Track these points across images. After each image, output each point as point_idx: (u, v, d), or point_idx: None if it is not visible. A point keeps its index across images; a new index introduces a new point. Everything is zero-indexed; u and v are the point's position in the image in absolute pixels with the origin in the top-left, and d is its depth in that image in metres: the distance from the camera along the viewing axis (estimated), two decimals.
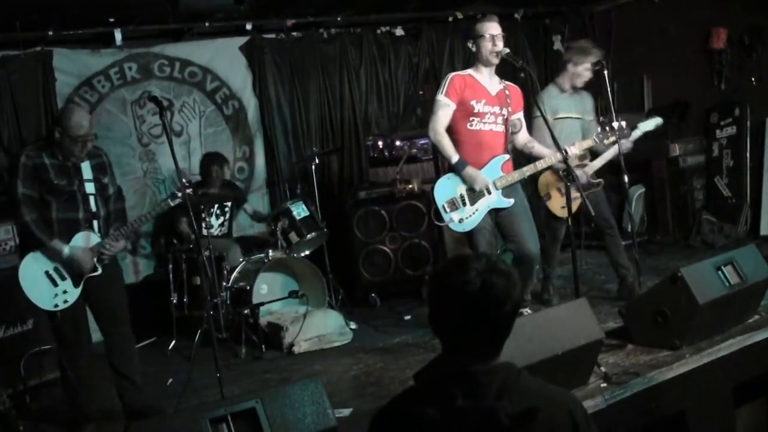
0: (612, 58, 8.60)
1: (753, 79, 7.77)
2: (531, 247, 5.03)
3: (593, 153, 5.84)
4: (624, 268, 5.90)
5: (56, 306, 4.37)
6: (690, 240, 7.86)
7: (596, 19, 9.19)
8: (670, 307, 4.44)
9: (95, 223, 4.56)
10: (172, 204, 4.75)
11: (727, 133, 8.06)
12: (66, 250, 4.36)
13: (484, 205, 4.99)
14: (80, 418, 4.51)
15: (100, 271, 4.49)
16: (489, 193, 4.99)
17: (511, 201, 5.02)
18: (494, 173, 5.04)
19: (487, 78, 5.11)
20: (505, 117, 5.12)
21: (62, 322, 4.43)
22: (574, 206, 5.61)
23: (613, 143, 5.38)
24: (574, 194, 5.15)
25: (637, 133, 5.77)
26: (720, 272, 4.56)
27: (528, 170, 5.13)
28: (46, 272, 4.37)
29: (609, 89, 5.63)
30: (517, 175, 5.06)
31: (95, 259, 4.45)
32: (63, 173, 4.41)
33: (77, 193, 4.46)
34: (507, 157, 5.12)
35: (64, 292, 4.39)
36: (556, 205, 5.81)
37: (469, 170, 4.94)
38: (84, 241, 4.46)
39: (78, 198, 4.46)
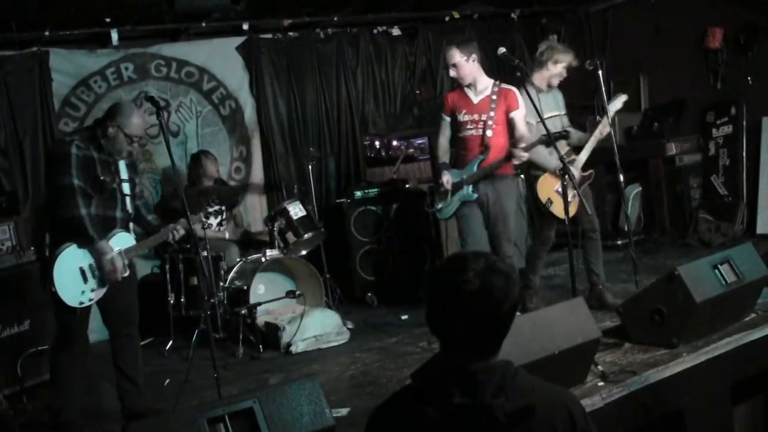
0: (608, 57, 8.61)
1: (749, 77, 7.78)
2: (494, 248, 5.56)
3: (576, 147, 5.83)
4: (596, 275, 5.86)
5: (81, 303, 4.28)
6: (687, 239, 7.87)
7: (592, 18, 9.20)
8: (667, 306, 4.45)
9: (131, 225, 4.55)
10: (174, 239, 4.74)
11: (724, 132, 8.08)
12: (113, 253, 4.31)
13: (457, 197, 5.59)
14: (76, 420, 4.44)
15: (128, 272, 4.47)
16: (461, 188, 5.56)
17: (475, 195, 5.52)
18: (469, 171, 5.54)
19: (473, 90, 5.58)
20: (486, 120, 5.47)
21: (79, 319, 4.36)
22: (573, 207, 5.62)
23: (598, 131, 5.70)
24: (571, 195, 5.21)
25: (610, 115, 5.79)
26: (717, 271, 4.57)
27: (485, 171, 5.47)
28: (81, 268, 4.28)
29: (604, 89, 5.64)
30: (479, 173, 5.47)
31: (126, 262, 4.43)
32: (107, 169, 4.38)
33: (117, 191, 4.44)
34: (482, 157, 5.50)
35: (92, 290, 4.32)
36: (559, 208, 5.75)
37: (444, 172, 5.62)
38: (125, 242, 4.44)
39: (118, 197, 4.44)
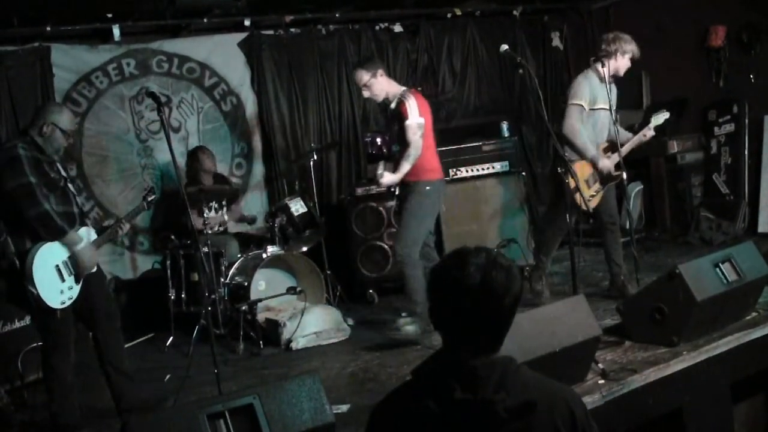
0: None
1: (751, 76, 7.77)
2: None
3: (613, 145, 5.86)
4: (618, 266, 5.92)
5: (63, 303, 4.27)
6: (688, 237, 7.87)
7: (594, 15, 9.19)
8: (667, 304, 4.44)
9: (86, 220, 4.56)
10: (147, 203, 4.79)
11: (726, 131, 8.07)
12: (84, 241, 4.32)
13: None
14: (76, 421, 4.43)
15: (96, 268, 4.49)
16: None
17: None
18: None
19: (389, 103, 5.68)
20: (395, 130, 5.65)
21: (62, 321, 4.32)
22: (594, 202, 5.82)
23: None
24: (596, 190, 5.61)
25: (651, 127, 5.96)
26: (718, 269, 4.56)
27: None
28: (56, 266, 4.27)
29: (608, 85, 5.64)
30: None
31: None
32: (51, 168, 4.39)
33: (67, 189, 4.45)
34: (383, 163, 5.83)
35: (69, 288, 4.31)
36: (579, 198, 5.81)
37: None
38: (88, 234, 4.45)
39: (69, 194, 4.46)
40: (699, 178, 8.15)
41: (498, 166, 7.44)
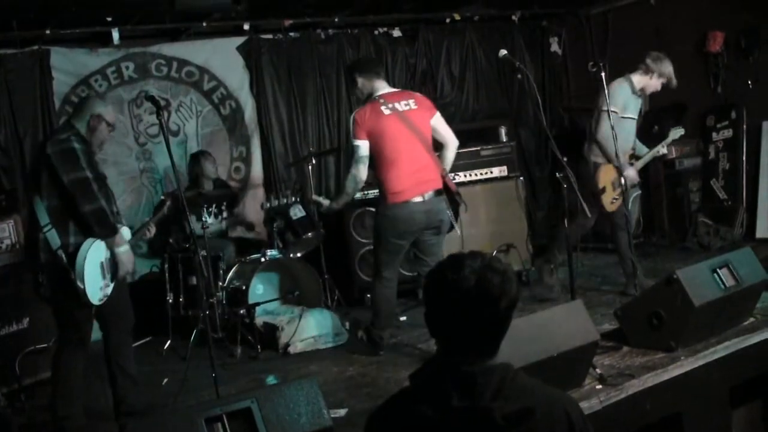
0: (608, 60, 8.60)
1: (749, 82, 7.78)
2: None
3: (635, 155, 6.13)
4: (636, 264, 6.05)
5: (100, 300, 4.24)
6: (686, 242, 7.88)
7: (593, 21, 9.21)
8: (665, 309, 4.45)
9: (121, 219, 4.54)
10: (165, 211, 4.79)
11: (724, 136, 8.08)
12: (127, 245, 4.32)
13: None
14: (83, 426, 4.40)
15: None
16: None
17: None
18: None
19: None
20: None
21: (88, 318, 4.32)
22: (615, 206, 6.02)
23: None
24: (618, 194, 5.87)
25: (667, 142, 6.28)
26: (716, 274, 4.56)
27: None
28: (101, 263, 4.25)
29: (607, 91, 5.66)
30: None
31: None
32: (98, 164, 4.39)
33: (108, 186, 4.45)
34: None
35: (107, 286, 4.29)
36: (608, 199, 5.99)
37: None
38: (127, 236, 4.45)
39: (110, 191, 4.45)
40: (697, 184, 8.16)
41: (496, 171, 7.44)
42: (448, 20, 8.51)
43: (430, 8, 8.28)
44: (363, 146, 5.00)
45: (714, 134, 8.15)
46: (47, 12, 6.35)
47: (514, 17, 8.83)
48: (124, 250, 4.32)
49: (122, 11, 6.69)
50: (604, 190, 5.94)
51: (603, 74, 5.66)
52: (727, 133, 8.06)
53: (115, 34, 6.90)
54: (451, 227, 5.26)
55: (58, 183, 4.15)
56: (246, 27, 7.55)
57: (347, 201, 5.39)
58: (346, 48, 8.07)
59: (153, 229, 4.78)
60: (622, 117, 5.92)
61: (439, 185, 5.10)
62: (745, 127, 7.92)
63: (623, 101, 5.93)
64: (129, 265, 4.37)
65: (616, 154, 5.63)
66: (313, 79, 7.93)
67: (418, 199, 4.99)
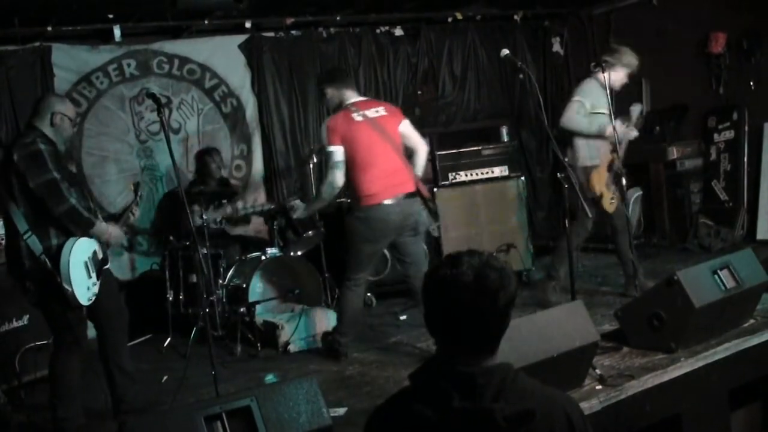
0: None
1: (751, 83, 7.77)
2: None
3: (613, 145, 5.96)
4: (636, 265, 6.02)
5: (89, 300, 4.23)
6: (687, 243, 7.87)
7: (595, 21, 9.20)
8: (666, 310, 4.44)
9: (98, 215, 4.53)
10: (136, 203, 4.78)
11: (725, 137, 8.07)
12: (107, 227, 4.34)
13: None
14: (82, 426, 4.40)
15: (109, 264, 4.47)
16: None
17: None
18: None
19: None
20: None
21: (81, 318, 4.31)
22: (614, 207, 5.96)
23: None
24: (614, 192, 5.85)
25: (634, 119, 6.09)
26: (716, 276, 4.56)
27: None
28: (85, 263, 4.23)
29: (608, 90, 5.66)
30: None
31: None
32: (66, 162, 4.39)
33: (80, 183, 4.45)
34: None
35: (93, 284, 4.28)
36: (606, 201, 5.96)
37: None
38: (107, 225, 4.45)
39: (84, 188, 4.45)
40: (698, 185, 8.15)
41: (497, 171, 7.44)
42: (449, 19, 8.51)
43: (431, 7, 8.28)
44: (338, 152, 5.08)
45: (715, 135, 8.15)
46: (49, 9, 6.34)
47: (516, 17, 8.82)
48: (105, 229, 4.34)
49: (124, 8, 6.69)
50: (601, 195, 5.89)
51: (605, 74, 5.67)
52: (729, 134, 8.05)
53: (117, 32, 6.90)
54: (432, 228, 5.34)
55: (28, 188, 4.14)
56: (248, 25, 7.55)
57: (323, 207, 5.52)
58: (347, 47, 8.07)
59: (137, 212, 4.77)
60: (593, 113, 5.92)
61: (411, 188, 5.16)
62: (746, 128, 7.91)
63: (592, 96, 5.93)
64: (120, 238, 4.44)
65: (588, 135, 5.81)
66: (314, 78, 7.92)
67: (391, 201, 5.05)
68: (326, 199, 5.31)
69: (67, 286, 4.10)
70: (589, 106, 5.91)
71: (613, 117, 5.85)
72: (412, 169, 5.24)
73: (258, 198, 7.74)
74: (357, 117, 5.12)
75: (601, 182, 5.90)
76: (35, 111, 4.42)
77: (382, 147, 5.09)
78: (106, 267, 4.44)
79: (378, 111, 5.21)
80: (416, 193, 5.18)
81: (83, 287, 4.19)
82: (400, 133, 5.24)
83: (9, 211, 4.20)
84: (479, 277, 1.95)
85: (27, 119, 4.49)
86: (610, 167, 5.90)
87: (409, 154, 5.31)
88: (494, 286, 1.96)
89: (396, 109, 5.46)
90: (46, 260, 4.12)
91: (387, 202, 5.05)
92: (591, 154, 5.94)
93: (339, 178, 5.11)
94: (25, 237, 4.14)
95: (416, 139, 5.33)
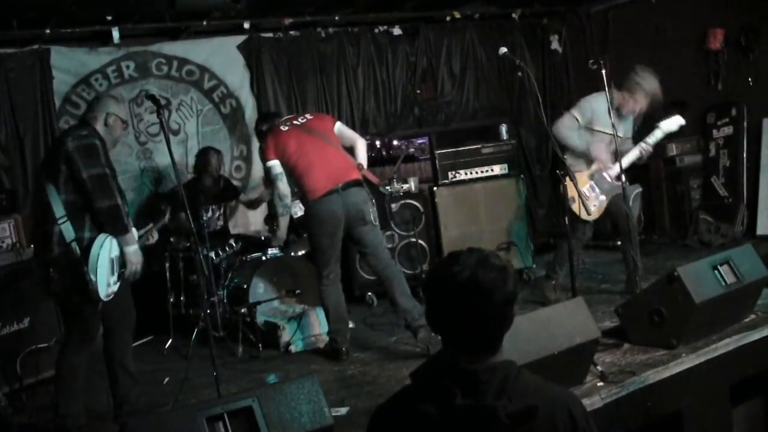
0: (609, 58, 8.60)
1: (750, 79, 7.78)
2: None
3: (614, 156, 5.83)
4: (638, 266, 5.99)
5: (108, 296, 4.23)
6: (687, 239, 7.88)
7: (593, 19, 9.21)
8: (666, 307, 4.45)
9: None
10: (166, 220, 4.85)
11: (724, 133, 8.08)
12: (137, 245, 4.34)
13: None
14: (82, 424, 4.39)
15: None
16: None
17: None
18: None
19: None
20: None
21: (96, 314, 4.32)
22: (597, 212, 5.94)
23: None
24: (598, 199, 5.82)
25: (658, 134, 5.96)
26: (716, 272, 4.56)
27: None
28: (112, 260, 4.25)
29: (607, 89, 5.63)
30: None
31: None
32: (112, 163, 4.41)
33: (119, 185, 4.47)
34: None
35: (114, 282, 4.29)
36: (577, 207, 5.83)
37: None
38: (136, 236, 4.46)
39: (122, 190, 4.47)
40: (698, 181, 8.16)
41: (497, 169, 7.45)
42: (448, 18, 8.52)
43: (430, 6, 8.28)
44: (275, 165, 5.36)
45: (714, 131, 8.15)
46: (47, 11, 6.35)
47: (514, 15, 8.83)
48: (133, 250, 4.33)
49: (122, 10, 6.69)
50: (573, 200, 5.70)
51: (604, 72, 5.64)
52: (728, 130, 8.06)
53: (116, 33, 6.90)
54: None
55: (77, 178, 4.16)
56: (246, 26, 7.55)
57: (286, 221, 5.73)
58: (346, 46, 8.07)
59: (155, 235, 4.78)
60: (589, 129, 5.83)
61: (354, 176, 5.34)
62: (745, 124, 7.92)
63: (591, 113, 5.83)
64: (137, 265, 4.36)
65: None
66: (313, 78, 7.92)
67: (332, 191, 5.24)
68: (284, 213, 5.56)
69: (91, 276, 4.11)
70: (584, 122, 5.83)
71: (619, 140, 5.63)
72: (353, 160, 5.44)
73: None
74: (284, 128, 5.45)
75: (572, 188, 5.74)
76: (90, 108, 4.53)
77: (314, 144, 5.35)
78: (123, 269, 4.44)
79: (305, 117, 5.57)
80: (362, 182, 5.37)
81: (105, 282, 4.20)
82: (337, 135, 5.50)
83: (48, 196, 4.22)
84: (474, 276, 1.96)
85: (82, 116, 4.65)
86: (592, 175, 5.87)
87: (351, 151, 5.53)
88: (489, 285, 1.96)
89: (325, 114, 5.84)
90: (76, 248, 4.15)
91: (328, 193, 5.25)
92: (573, 162, 5.84)
93: (283, 188, 5.38)
94: (59, 222, 4.16)
95: (352, 135, 5.61)
